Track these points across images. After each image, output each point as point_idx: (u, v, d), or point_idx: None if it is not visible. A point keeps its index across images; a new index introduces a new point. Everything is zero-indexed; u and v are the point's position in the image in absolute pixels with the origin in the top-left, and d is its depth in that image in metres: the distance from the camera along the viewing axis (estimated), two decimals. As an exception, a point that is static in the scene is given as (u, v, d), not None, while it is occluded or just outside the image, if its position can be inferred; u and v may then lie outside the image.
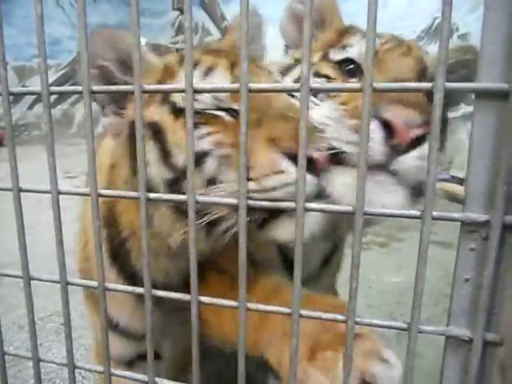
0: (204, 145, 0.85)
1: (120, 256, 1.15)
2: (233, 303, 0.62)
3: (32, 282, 0.74)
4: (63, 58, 10.39)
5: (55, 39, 10.07)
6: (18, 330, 2.52)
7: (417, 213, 0.52)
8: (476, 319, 0.54)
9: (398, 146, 0.71)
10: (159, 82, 0.92)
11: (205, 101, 0.86)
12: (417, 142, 0.73)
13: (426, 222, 0.51)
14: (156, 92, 0.57)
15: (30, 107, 10.00)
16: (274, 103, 0.87)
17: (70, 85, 9.90)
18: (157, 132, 0.89)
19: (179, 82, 0.89)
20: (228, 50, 1.04)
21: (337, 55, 1.04)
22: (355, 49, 1.01)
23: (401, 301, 2.97)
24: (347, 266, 0.63)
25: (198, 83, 0.77)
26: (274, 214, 0.81)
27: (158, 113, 0.89)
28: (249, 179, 0.79)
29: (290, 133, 0.79)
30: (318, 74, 1.03)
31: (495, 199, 0.51)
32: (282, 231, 0.82)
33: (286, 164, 0.79)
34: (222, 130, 0.86)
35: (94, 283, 0.69)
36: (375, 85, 0.49)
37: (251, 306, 0.60)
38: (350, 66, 1.00)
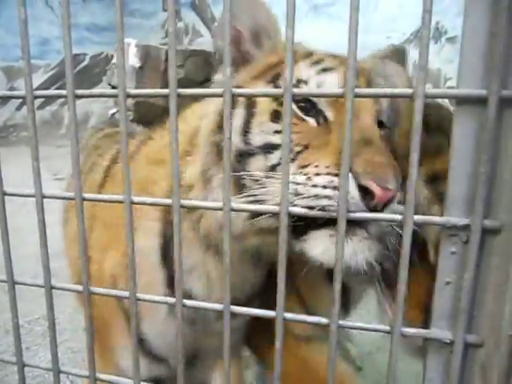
0: (275, 138, 0.88)
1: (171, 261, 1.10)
2: (218, 306, 0.62)
3: (18, 285, 0.74)
4: (52, 59, 10.30)
5: (44, 39, 9.98)
6: (4, 334, 2.50)
7: (398, 217, 0.53)
8: (457, 321, 0.55)
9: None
10: (278, 63, 0.95)
11: (311, 91, 0.88)
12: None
13: (408, 225, 0.52)
14: (139, 96, 0.57)
15: (18, 108, 9.90)
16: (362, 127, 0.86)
17: (59, 86, 9.83)
18: (250, 104, 0.91)
19: (298, 71, 0.92)
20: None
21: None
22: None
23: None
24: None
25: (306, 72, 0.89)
26: (311, 225, 0.79)
27: (259, 88, 0.92)
28: (305, 174, 0.79)
29: (365, 157, 0.77)
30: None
31: (475, 203, 0.52)
32: (317, 247, 0.80)
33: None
34: (300, 131, 0.87)
35: (79, 287, 0.69)
36: (357, 90, 0.50)
37: (235, 308, 0.61)
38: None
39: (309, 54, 0.99)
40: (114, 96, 0.58)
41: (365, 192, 0.73)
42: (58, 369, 0.74)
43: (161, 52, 7.78)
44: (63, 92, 0.60)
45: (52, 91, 0.64)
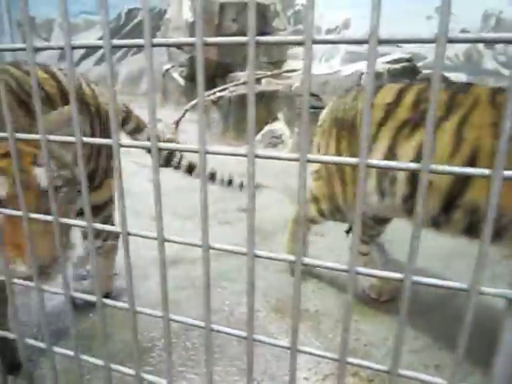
0: None
1: None
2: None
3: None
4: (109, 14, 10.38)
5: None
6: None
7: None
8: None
9: None
10: None
11: None
12: None
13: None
14: (218, 44, 0.56)
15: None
16: None
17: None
18: None
19: None
20: None
21: None
22: None
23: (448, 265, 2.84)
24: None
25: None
26: None
27: None
28: None
29: None
30: None
31: None
32: None
33: None
34: None
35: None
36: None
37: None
38: None
39: None
40: (191, 44, 0.57)
41: None
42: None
43: (214, 5, 7.63)
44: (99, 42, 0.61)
45: (92, 41, 0.65)
